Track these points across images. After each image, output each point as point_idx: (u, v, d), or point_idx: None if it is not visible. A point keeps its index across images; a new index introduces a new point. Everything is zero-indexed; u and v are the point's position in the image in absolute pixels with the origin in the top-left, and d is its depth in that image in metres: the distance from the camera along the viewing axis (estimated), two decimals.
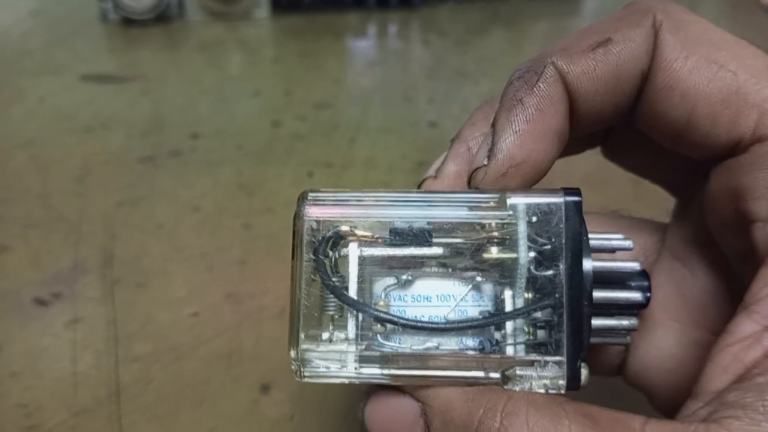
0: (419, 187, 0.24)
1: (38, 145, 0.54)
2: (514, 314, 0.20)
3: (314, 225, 0.21)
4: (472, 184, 0.22)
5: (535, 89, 0.21)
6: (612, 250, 0.23)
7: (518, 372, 0.20)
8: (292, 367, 0.21)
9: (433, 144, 0.55)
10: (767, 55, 0.21)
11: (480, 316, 0.21)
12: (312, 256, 0.21)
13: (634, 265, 0.23)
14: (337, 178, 0.51)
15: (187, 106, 0.60)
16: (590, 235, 0.21)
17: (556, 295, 0.20)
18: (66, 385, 0.35)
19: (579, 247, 0.20)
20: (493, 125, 0.22)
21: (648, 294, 0.23)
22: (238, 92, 0.62)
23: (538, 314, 0.20)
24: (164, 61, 0.69)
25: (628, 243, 0.23)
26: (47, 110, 0.59)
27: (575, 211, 0.20)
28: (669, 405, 0.25)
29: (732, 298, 0.24)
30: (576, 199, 0.20)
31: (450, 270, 0.21)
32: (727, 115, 0.20)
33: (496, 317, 0.20)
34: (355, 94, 0.63)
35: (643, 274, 0.23)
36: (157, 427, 0.33)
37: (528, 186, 0.22)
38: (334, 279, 0.21)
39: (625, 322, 0.22)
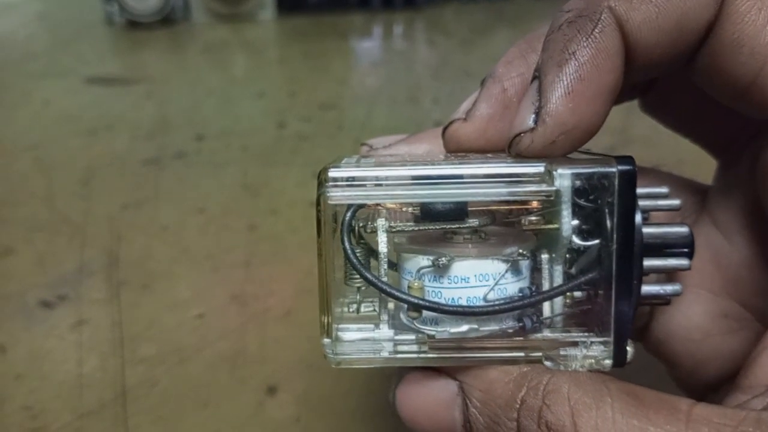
0: (445, 130, 0.22)
1: (43, 147, 0.54)
2: (557, 292, 0.19)
3: (338, 208, 0.19)
4: (513, 150, 0.19)
5: (590, 40, 0.18)
6: (659, 210, 0.21)
7: (561, 352, 0.19)
8: (327, 352, 0.20)
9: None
10: None
11: (520, 294, 0.19)
12: (343, 245, 0.19)
13: (683, 230, 0.21)
14: None
15: (192, 108, 0.60)
16: (637, 191, 0.19)
17: (602, 270, 0.18)
18: (71, 388, 0.35)
19: (631, 223, 0.18)
20: (539, 79, 0.19)
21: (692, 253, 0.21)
22: (243, 93, 0.62)
23: (580, 291, 0.19)
24: (169, 63, 0.69)
25: (676, 202, 0.21)
26: (52, 113, 0.59)
27: (629, 184, 0.18)
28: (690, 378, 0.24)
29: None
30: (629, 168, 0.18)
31: (486, 241, 0.20)
32: None
33: (539, 296, 0.19)
34: (360, 94, 0.63)
35: (689, 238, 0.21)
36: (162, 429, 0.33)
37: (574, 150, 0.19)
38: (358, 250, 0.19)
39: (669, 288, 0.21)
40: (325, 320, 0.20)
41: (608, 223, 0.18)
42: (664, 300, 0.22)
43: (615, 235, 0.18)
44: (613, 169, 0.18)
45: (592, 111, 0.18)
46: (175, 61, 0.70)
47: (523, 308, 0.19)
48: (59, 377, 0.36)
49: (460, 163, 0.20)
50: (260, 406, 0.34)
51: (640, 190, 0.19)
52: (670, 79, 0.23)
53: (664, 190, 0.22)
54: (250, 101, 0.61)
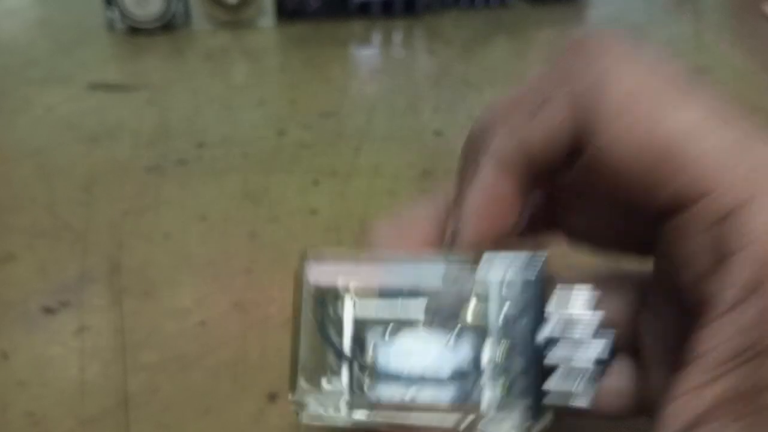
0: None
1: (44, 154, 0.54)
2: (474, 371, 0.23)
3: (314, 289, 0.24)
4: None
5: (477, 181, 0.22)
6: (579, 307, 0.24)
7: (490, 421, 0.22)
8: (293, 409, 0.24)
9: (439, 153, 0.55)
10: (715, 96, 0.20)
11: (450, 371, 0.23)
12: (313, 318, 0.24)
13: (594, 318, 0.23)
14: (342, 186, 0.51)
15: (193, 115, 0.60)
16: (559, 291, 0.23)
17: (514, 357, 0.22)
18: (73, 394, 0.35)
19: (539, 310, 0.22)
20: (454, 205, 0.24)
21: (606, 352, 0.23)
22: (244, 101, 0.63)
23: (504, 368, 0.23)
24: (170, 69, 0.69)
25: (593, 294, 0.24)
26: (54, 119, 0.59)
27: (541, 269, 0.22)
28: None
29: None
30: (540, 256, 0.22)
31: (433, 323, 0.24)
32: (663, 174, 0.19)
33: (461, 374, 0.23)
34: (360, 102, 0.63)
35: (604, 334, 0.23)
36: None
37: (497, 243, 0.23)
38: (332, 332, 0.24)
39: (580, 387, 0.23)
40: (293, 399, 0.24)
41: (519, 310, 0.22)
42: (582, 399, 0.24)
43: (522, 322, 0.22)
44: (524, 263, 0.22)
45: (498, 228, 0.23)
46: (175, 67, 0.70)
47: (449, 382, 0.23)
48: (61, 384, 0.36)
49: (413, 255, 0.24)
50: (261, 413, 0.34)
51: (562, 292, 0.23)
52: (573, 201, 0.25)
53: (586, 292, 0.24)
54: (251, 108, 0.62)
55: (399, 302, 0.24)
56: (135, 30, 0.74)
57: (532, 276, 0.22)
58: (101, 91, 0.64)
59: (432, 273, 0.23)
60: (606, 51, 0.21)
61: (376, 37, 0.77)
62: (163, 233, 0.46)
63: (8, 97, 0.63)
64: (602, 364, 0.23)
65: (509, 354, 0.22)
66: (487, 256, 0.23)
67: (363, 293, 0.24)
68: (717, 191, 0.18)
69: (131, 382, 0.36)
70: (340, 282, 0.24)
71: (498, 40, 0.77)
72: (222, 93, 0.64)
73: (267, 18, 0.77)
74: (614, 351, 0.23)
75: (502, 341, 0.23)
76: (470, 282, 0.23)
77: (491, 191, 0.23)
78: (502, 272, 0.22)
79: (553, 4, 0.87)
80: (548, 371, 0.22)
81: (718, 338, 0.18)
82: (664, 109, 0.19)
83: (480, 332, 0.23)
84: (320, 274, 0.24)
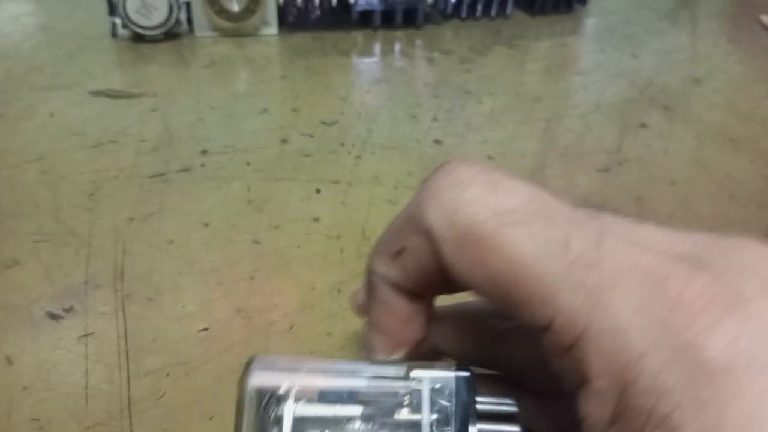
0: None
1: (49, 160, 0.55)
2: None
3: (257, 392, 0.25)
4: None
5: (377, 298, 0.25)
6: (500, 416, 0.25)
7: None
8: None
9: (438, 161, 0.56)
10: (560, 211, 0.20)
11: None
12: (255, 420, 0.24)
13: (513, 430, 0.24)
14: (344, 195, 0.51)
15: (196, 122, 0.61)
16: (482, 399, 0.24)
17: None
18: (78, 399, 0.36)
19: (466, 416, 0.24)
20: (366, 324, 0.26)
21: None
22: (246, 109, 0.63)
23: None
24: (173, 77, 0.70)
25: (514, 409, 0.25)
26: (57, 125, 0.60)
27: (465, 385, 0.24)
28: None
29: None
30: (465, 374, 0.24)
31: (368, 427, 0.25)
32: (514, 301, 0.20)
33: None
34: (361, 111, 0.64)
35: None
36: None
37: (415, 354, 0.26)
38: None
39: None
40: None
41: (450, 415, 0.24)
42: None
43: (453, 426, 0.23)
44: (452, 375, 0.24)
45: (407, 339, 0.25)
46: (179, 75, 0.70)
47: None
48: (66, 389, 0.36)
49: (356, 365, 0.26)
50: None
51: (485, 399, 0.24)
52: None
53: (508, 400, 0.25)
54: (253, 117, 0.62)
55: (337, 407, 0.25)
56: (138, 37, 0.75)
57: (461, 386, 0.24)
58: (105, 98, 0.65)
59: (367, 381, 0.25)
60: (444, 192, 0.22)
61: (377, 47, 0.78)
62: (166, 240, 0.46)
63: (12, 103, 0.64)
64: None
65: None
66: (416, 365, 0.25)
67: (303, 397, 0.25)
68: (557, 321, 0.19)
69: (135, 388, 0.36)
70: (282, 386, 0.25)
71: (497, 50, 0.78)
72: (225, 101, 0.65)
73: (270, 27, 0.78)
74: None
75: None
76: (402, 390, 0.24)
77: (389, 310, 0.25)
78: (431, 381, 0.24)
79: (552, 15, 0.88)
80: None
81: None
82: (499, 240, 0.20)
83: None
84: (264, 378, 0.25)
